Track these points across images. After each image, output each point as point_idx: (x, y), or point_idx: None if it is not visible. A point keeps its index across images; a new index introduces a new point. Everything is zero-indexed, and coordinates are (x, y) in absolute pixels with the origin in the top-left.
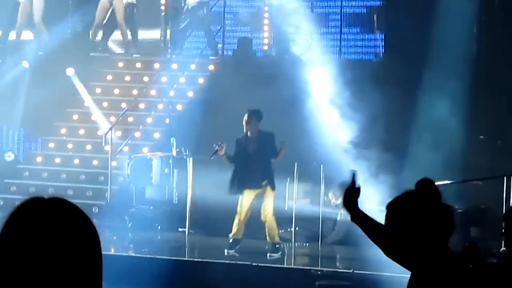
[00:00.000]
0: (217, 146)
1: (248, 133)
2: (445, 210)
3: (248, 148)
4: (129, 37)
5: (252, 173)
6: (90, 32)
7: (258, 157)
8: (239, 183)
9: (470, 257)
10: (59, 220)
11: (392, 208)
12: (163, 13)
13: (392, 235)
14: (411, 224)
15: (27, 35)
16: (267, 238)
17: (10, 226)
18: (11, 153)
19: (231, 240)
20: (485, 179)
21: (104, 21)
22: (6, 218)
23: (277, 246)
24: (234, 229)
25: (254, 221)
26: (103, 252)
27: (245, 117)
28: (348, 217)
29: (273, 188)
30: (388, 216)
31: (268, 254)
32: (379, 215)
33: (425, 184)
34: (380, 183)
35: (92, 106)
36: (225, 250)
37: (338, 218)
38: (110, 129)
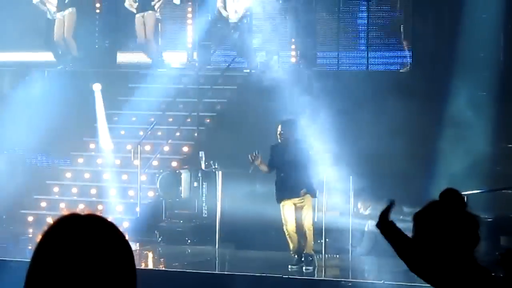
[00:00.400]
0: (252, 157)
1: (283, 142)
2: (470, 220)
3: (284, 157)
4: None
5: (289, 182)
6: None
7: (294, 166)
8: (278, 192)
9: (506, 265)
10: (94, 238)
11: (417, 218)
12: (189, 26)
13: (418, 247)
14: (436, 235)
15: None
16: (305, 249)
17: (45, 244)
18: None
19: (293, 254)
20: None
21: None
22: (42, 235)
23: (310, 259)
24: (289, 243)
25: (281, 231)
26: None
27: (278, 128)
28: (375, 228)
29: (313, 195)
30: (414, 227)
31: (304, 267)
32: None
33: (450, 194)
34: (408, 194)
35: (102, 124)
36: (289, 266)
37: (366, 229)
38: (139, 143)
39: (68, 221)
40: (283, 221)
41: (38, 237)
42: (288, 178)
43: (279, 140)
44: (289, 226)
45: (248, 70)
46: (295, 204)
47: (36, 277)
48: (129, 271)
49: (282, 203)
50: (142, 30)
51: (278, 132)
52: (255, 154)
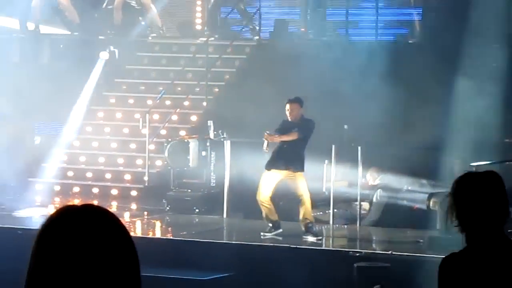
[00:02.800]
0: (265, 137)
1: (292, 120)
2: (503, 193)
3: (288, 129)
4: (159, 20)
5: (282, 154)
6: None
7: (294, 142)
8: (272, 160)
9: None
10: (93, 229)
11: (455, 189)
12: None
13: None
14: (470, 206)
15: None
16: (301, 220)
17: (43, 241)
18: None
19: (266, 221)
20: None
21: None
22: (39, 231)
23: (309, 225)
24: (262, 211)
25: (288, 203)
26: (142, 236)
27: (286, 106)
28: (382, 198)
29: (301, 169)
30: (453, 197)
31: (302, 237)
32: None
33: (487, 175)
34: (413, 165)
35: (85, 96)
36: (261, 233)
37: (374, 199)
38: (147, 112)
39: (65, 215)
40: (259, 189)
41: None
42: (289, 152)
43: (289, 118)
44: (262, 196)
45: (257, 39)
46: (283, 176)
47: (37, 274)
48: (130, 260)
49: (271, 171)
50: None
51: (287, 110)
52: (267, 133)
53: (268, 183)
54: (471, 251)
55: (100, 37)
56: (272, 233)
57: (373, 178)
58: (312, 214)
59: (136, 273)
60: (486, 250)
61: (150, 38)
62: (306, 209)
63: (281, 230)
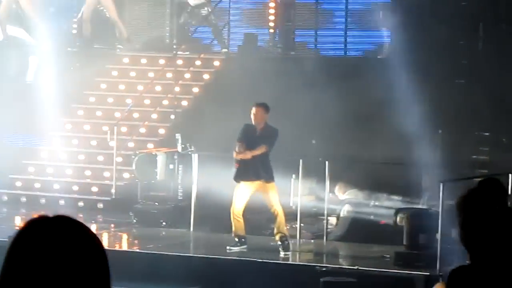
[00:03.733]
0: (236, 156)
1: (256, 125)
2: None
3: (253, 139)
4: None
5: (251, 165)
6: (81, 27)
7: (267, 151)
8: (237, 172)
9: None
10: (65, 240)
11: (460, 206)
12: (168, 9)
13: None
14: (477, 224)
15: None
16: (275, 233)
17: (16, 248)
18: None
19: (233, 236)
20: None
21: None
22: (12, 239)
23: (286, 242)
24: (232, 225)
25: (257, 216)
26: (108, 248)
27: (253, 110)
28: (349, 213)
29: (271, 180)
30: (459, 215)
31: (280, 252)
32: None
33: (491, 184)
34: (381, 180)
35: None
36: (227, 247)
37: (341, 214)
38: (116, 124)
39: (37, 224)
40: (233, 202)
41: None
42: (258, 162)
43: (253, 122)
44: (235, 209)
45: (226, 52)
46: (255, 188)
47: (9, 282)
48: (102, 271)
49: (242, 183)
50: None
51: (252, 113)
52: (237, 151)
53: (241, 195)
54: (478, 265)
55: (69, 48)
56: (238, 248)
57: (341, 192)
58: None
59: (107, 284)
60: (493, 265)
61: (118, 50)
62: (279, 222)
63: (246, 246)
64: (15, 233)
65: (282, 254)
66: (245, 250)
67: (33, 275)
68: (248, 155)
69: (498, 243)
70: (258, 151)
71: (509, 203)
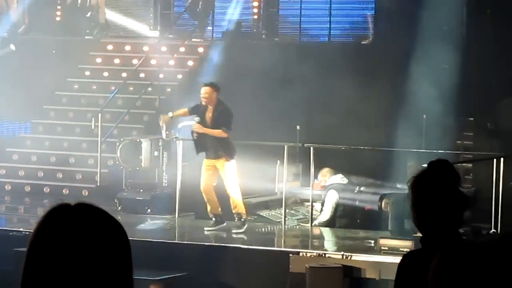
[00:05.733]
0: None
1: (207, 104)
2: (460, 194)
3: (206, 118)
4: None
5: (209, 143)
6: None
7: (214, 128)
8: (198, 147)
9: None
10: (89, 228)
11: (412, 188)
12: None
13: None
14: (427, 206)
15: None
16: (232, 211)
17: (39, 238)
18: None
19: (210, 216)
20: (475, 161)
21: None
22: (35, 229)
23: (242, 219)
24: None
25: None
26: None
27: (201, 90)
28: (334, 199)
29: (227, 159)
30: (410, 197)
31: (232, 230)
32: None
33: (441, 165)
34: (365, 166)
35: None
36: (204, 228)
37: (326, 200)
38: (100, 112)
39: (60, 212)
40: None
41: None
42: (213, 140)
43: (202, 102)
44: (202, 187)
45: (210, 39)
46: (215, 166)
47: (33, 272)
48: (127, 258)
49: (204, 160)
50: None
51: (201, 93)
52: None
53: (204, 173)
54: (428, 250)
55: (48, 36)
56: (214, 228)
57: (325, 178)
58: (260, 212)
59: (131, 272)
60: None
61: (93, 36)
62: (234, 203)
63: (224, 224)
64: (38, 222)
65: (233, 231)
66: (223, 230)
67: (58, 264)
68: (207, 130)
69: (446, 224)
70: (215, 133)
71: (460, 185)
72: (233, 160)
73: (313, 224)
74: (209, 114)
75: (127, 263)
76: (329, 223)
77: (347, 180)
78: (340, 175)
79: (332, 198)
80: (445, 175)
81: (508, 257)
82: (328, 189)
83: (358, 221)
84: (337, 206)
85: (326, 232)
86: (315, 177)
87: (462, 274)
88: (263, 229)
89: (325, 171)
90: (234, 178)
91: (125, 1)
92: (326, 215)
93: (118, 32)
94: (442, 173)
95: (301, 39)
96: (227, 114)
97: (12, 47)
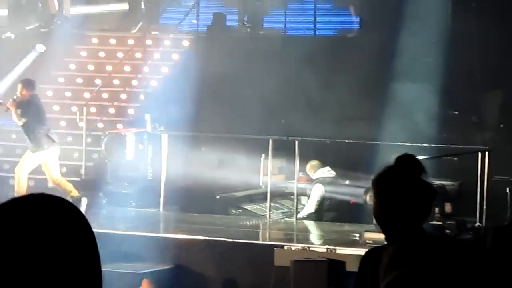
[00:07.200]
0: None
1: (20, 100)
2: (426, 189)
3: (23, 112)
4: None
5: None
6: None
7: (27, 121)
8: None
9: (494, 241)
10: (52, 217)
11: (375, 183)
12: None
13: (378, 213)
14: (392, 201)
15: None
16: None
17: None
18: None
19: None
20: (460, 155)
21: None
22: None
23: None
24: None
25: (225, 195)
26: None
27: (19, 86)
28: (320, 192)
29: (32, 150)
30: (374, 193)
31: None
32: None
33: (406, 159)
34: (350, 159)
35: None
36: None
37: (312, 193)
38: (85, 105)
39: (22, 202)
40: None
41: None
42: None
43: (20, 96)
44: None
45: (195, 32)
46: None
47: None
48: (93, 251)
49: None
50: None
51: (19, 90)
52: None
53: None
54: (389, 245)
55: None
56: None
57: (312, 171)
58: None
59: (98, 264)
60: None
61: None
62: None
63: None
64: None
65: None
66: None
67: (16, 259)
68: (13, 111)
69: (409, 218)
70: (16, 117)
71: (426, 179)
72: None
73: (297, 218)
74: (24, 108)
75: (94, 256)
76: (316, 217)
77: (334, 173)
78: (327, 168)
79: (317, 192)
80: (408, 168)
81: (477, 254)
82: (314, 183)
83: (344, 214)
84: (323, 200)
85: (311, 225)
86: (302, 170)
87: (412, 266)
88: (247, 223)
89: (313, 164)
90: (25, 167)
91: None
92: (310, 208)
93: (103, 25)
94: (405, 166)
95: (286, 32)
96: (25, 105)
97: (41, 47)
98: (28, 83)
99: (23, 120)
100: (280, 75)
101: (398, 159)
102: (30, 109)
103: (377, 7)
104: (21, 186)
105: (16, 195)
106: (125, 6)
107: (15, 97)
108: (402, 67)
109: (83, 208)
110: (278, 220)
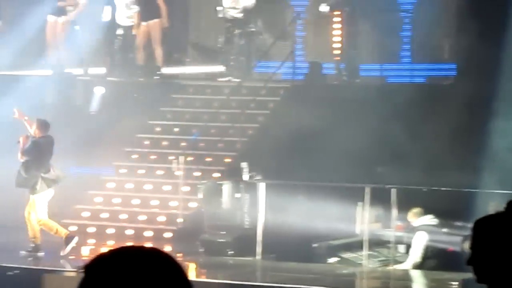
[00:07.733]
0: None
1: (34, 139)
2: None
3: (26, 150)
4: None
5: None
6: (137, 56)
7: (27, 160)
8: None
9: None
10: (150, 274)
11: (477, 228)
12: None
13: (476, 258)
14: (495, 250)
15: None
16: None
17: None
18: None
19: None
20: None
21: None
22: (84, 270)
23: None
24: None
25: (322, 244)
26: None
27: (35, 124)
28: (424, 240)
29: (31, 193)
30: (473, 237)
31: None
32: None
33: None
34: (447, 207)
35: None
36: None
37: (415, 241)
38: (181, 154)
39: (119, 256)
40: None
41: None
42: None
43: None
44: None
45: (291, 80)
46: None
47: None
48: None
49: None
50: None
51: (34, 131)
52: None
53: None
54: None
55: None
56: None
57: (414, 219)
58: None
59: None
60: None
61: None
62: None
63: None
64: (87, 264)
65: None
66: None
67: None
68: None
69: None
70: (20, 154)
71: None
72: None
73: (403, 267)
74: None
75: None
76: (418, 265)
77: (437, 221)
78: (429, 216)
79: (421, 240)
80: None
81: None
82: (417, 231)
83: (443, 262)
84: (427, 248)
85: (407, 274)
86: (401, 218)
87: None
88: (344, 271)
89: (415, 211)
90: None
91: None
92: (416, 257)
93: (198, 75)
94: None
95: (383, 79)
96: (33, 145)
97: (101, 90)
98: (42, 124)
99: (24, 158)
100: (376, 122)
101: (509, 204)
102: (32, 151)
103: (473, 56)
104: (35, 231)
105: (31, 239)
106: (221, 68)
107: (28, 134)
108: (502, 113)
109: (72, 245)
110: (375, 269)
